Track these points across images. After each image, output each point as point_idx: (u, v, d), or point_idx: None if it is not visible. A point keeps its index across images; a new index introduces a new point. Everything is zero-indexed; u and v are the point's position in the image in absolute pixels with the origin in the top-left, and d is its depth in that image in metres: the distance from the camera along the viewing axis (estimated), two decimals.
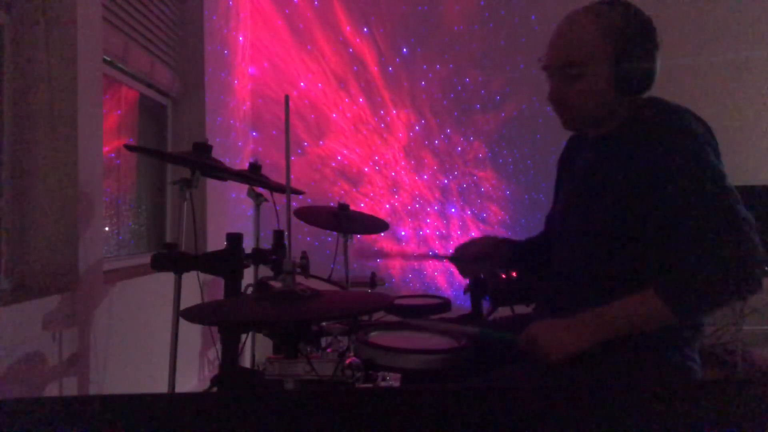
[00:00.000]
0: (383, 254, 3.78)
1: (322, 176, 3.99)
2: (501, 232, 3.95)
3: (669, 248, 1.16)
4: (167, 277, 1.68)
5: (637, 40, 1.21)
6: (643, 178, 1.18)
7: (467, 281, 2.45)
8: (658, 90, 1.28)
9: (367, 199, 4.00)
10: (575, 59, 1.24)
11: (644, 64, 1.22)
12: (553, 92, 1.31)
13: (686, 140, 1.17)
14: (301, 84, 3.96)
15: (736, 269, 1.08)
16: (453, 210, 4.00)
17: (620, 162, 1.24)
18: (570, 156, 1.51)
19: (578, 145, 1.48)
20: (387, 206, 4.00)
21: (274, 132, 3.97)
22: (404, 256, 4.01)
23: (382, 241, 3.98)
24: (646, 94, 1.29)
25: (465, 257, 1.58)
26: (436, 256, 2.81)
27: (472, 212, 3.99)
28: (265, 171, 2.17)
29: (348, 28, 3.93)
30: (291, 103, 1.27)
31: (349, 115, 3.99)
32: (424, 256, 3.71)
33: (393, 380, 1.49)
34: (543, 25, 3.49)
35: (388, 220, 3.16)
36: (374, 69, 3.95)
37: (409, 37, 3.92)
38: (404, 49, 3.93)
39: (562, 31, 1.28)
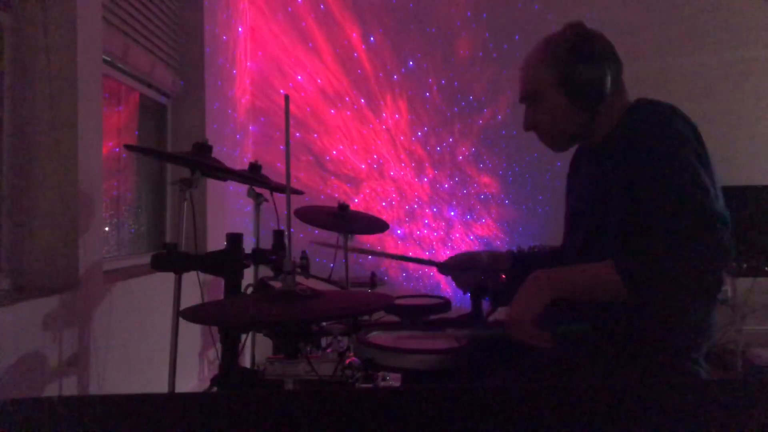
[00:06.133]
0: (375, 252, 3.83)
1: (319, 175, 4.01)
2: (499, 238, 3.99)
3: (639, 235, 1.16)
4: (167, 277, 1.68)
5: (579, 59, 1.30)
6: (627, 180, 1.20)
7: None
8: (660, 91, 1.29)
9: (362, 195, 4.02)
10: (530, 88, 1.39)
11: (591, 79, 1.29)
12: (525, 120, 1.44)
13: (663, 137, 1.19)
14: (299, 77, 3.98)
15: (696, 262, 1.07)
16: (452, 213, 4.02)
17: (611, 168, 1.26)
18: (576, 167, 1.55)
19: (580, 158, 1.53)
20: (383, 204, 4.02)
21: (262, 119, 4.01)
22: (395, 256, 4.05)
23: (379, 240, 4.00)
24: (637, 96, 1.33)
25: (454, 267, 1.62)
26: (424, 262, 2.77)
27: (472, 217, 4.02)
28: (263, 168, 2.17)
29: (354, 34, 3.96)
30: (291, 100, 1.26)
31: (348, 113, 4.00)
32: (414, 260, 3.79)
33: (393, 380, 1.49)
34: None
35: (384, 218, 3.18)
36: (378, 75, 3.98)
37: (416, 52, 3.99)
38: (410, 62, 4.00)
39: (523, 63, 1.42)
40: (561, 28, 1.36)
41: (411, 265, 4.01)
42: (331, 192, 4.00)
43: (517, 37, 3.87)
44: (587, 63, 1.29)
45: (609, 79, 1.30)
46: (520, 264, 1.60)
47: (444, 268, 1.64)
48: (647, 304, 1.19)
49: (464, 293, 1.76)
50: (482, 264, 1.60)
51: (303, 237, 3.60)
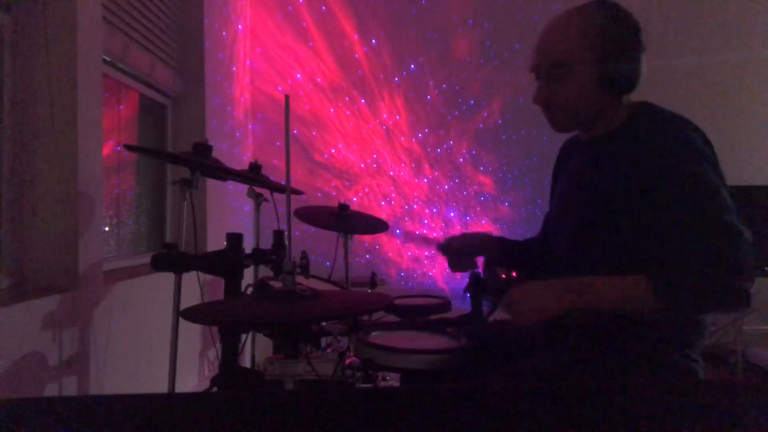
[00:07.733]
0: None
1: (317, 173, 4.02)
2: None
3: (661, 253, 1.15)
4: (167, 277, 1.68)
5: (621, 40, 1.23)
6: (636, 183, 1.18)
7: (466, 281, 2.45)
8: (659, 90, 1.28)
9: (361, 194, 4.03)
10: (560, 59, 1.26)
11: (628, 64, 1.24)
12: (540, 93, 1.32)
13: (681, 150, 1.17)
14: (298, 76, 3.99)
15: (724, 278, 1.08)
16: (452, 214, 4.03)
17: (613, 165, 1.24)
18: (563, 161, 1.52)
19: (571, 149, 1.50)
20: (382, 203, 4.03)
21: (258, 115, 4.03)
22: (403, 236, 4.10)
23: (377, 239, 4.02)
24: (636, 96, 1.30)
25: (452, 249, 1.59)
26: (427, 240, 2.86)
27: (471, 218, 4.03)
28: (263, 167, 2.18)
29: (355, 36, 3.97)
30: (291, 99, 1.27)
31: (348, 112, 4.00)
32: (417, 238, 3.84)
33: (393, 380, 1.49)
34: None
35: (382, 218, 3.19)
36: (379, 76, 4.00)
37: (417, 56, 4.01)
38: (411, 65, 4.02)
39: (548, 32, 1.30)
40: (592, 3, 1.26)
41: (409, 264, 4.02)
42: (329, 190, 4.01)
43: (517, 45, 3.90)
44: (631, 48, 1.22)
45: (643, 67, 1.25)
46: (508, 254, 1.61)
47: (442, 248, 1.62)
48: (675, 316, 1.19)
49: (453, 272, 1.75)
50: (474, 249, 1.60)
51: (299, 235, 3.64)
